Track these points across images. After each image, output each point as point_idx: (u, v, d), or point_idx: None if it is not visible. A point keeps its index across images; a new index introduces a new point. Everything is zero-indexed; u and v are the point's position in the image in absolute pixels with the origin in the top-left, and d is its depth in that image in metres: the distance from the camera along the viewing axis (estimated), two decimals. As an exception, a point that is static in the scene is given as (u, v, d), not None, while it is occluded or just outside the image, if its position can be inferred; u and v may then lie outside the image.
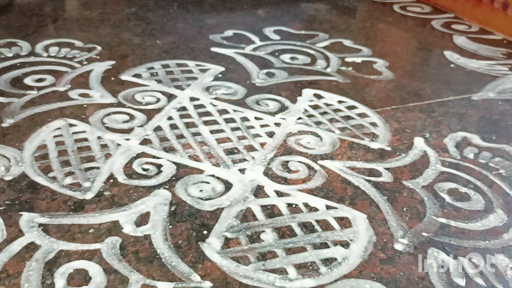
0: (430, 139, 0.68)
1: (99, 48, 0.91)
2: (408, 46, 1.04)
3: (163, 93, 0.76)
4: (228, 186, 0.55)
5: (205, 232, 0.48)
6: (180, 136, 0.64)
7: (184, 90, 0.77)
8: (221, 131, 0.66)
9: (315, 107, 0.75)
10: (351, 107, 0.75)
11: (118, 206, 0.51)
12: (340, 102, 0.77)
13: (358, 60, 0.94)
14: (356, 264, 0.45)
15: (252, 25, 1.07)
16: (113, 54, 0.89)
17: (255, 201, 0.53)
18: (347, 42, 1.01)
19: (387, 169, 0.60)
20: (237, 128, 0.67)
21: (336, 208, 0.53)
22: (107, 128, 0.65)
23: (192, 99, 0.75)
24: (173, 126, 0.67)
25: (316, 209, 0.52)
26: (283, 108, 0.74)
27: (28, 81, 0.77)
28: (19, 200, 0.51)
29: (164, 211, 0.51)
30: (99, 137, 0.63)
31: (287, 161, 0.61)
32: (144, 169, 0.57)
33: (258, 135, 0.66)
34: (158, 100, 0.74)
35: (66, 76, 0.79)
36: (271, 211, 0.52)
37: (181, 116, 0.69)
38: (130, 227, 0.48)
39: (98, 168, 0.57)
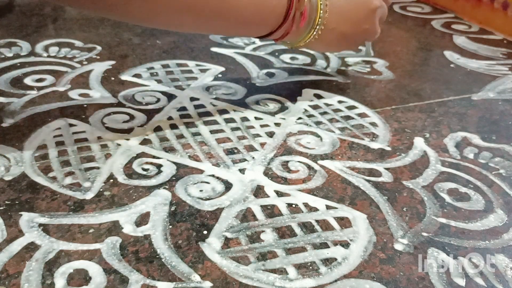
0: (430, 139, 0.67)
1: (99, 48, 0.91)
2: (408, 46, 1.04)
3: (163, 93, 0.76)
4: (228, 186, 0.55)
5: (205, 232, 0.48)
6: (180, 136, 0.64)
7: (184, 90, 0.77)
8: (221, 131, 0.66)
9: (315, 107, 0.75)
10: (351, 107, 0.75)
11: (118, 206, 0.51)
12: (340, 102, 0.77)
13: (358, 60, 0.94)
14: (356, 264, 0.45)
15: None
16: (113, 54, 0.89)
17: (255, 201, 0.53)
18: (347, 42, 1.01)
19: (387, 169, 0.60)
20: (237, 128, 0.67)
21: (336, 208, 0.53)
22: (107, 128, 0.65)
23: (192, 99, 0.75)
24: (173, 126, 0.67)
25: (316, 209, 0.52)
26: (283, 108, 0.74)
27: (28, 81, 0.77)
28: (19, 200, 0.51)
29: (164, 211, 0.51)
30: (99, 137, 0.63)
31: (287, 161, 0.61)
32: (144, 169, 0.57)
33: (258, 135, 0.66)
34: (158, 100, 0.74)
35: (66, 76, 0.79)
36: (271, 211, 0.51)
37: (181, 116, 0.69)
38: (130, 227, 0.48)
39: (98, 168, 0.57)
